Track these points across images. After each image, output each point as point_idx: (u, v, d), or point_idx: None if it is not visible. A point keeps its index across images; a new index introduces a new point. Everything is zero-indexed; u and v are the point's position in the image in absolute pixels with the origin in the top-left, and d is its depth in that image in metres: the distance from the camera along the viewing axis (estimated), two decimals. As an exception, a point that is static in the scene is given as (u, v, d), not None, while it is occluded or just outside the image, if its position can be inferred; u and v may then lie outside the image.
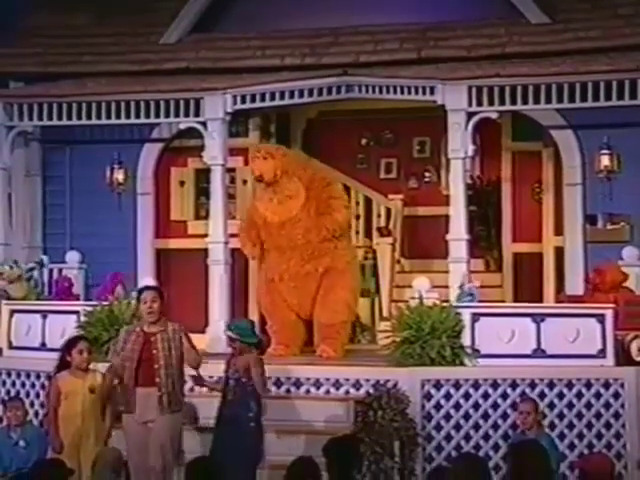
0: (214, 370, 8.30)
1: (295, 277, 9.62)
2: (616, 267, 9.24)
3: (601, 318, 8.64)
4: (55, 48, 11.42)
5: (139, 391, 7.39)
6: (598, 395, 8.54)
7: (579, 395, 8.56)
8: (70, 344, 7.87)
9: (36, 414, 8.97)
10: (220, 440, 7.56)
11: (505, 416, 8.50)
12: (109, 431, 7.73)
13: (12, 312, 9.78)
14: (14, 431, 8.10)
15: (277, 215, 9.59)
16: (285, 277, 9.66)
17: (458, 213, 9.62)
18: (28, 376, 9.36)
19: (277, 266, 9.69)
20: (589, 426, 8.52)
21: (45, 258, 10.57)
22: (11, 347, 9.76)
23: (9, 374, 9.54)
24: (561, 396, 8.56)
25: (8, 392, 9.40)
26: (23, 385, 9.40)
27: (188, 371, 7.68)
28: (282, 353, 9.60)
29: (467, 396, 8.59)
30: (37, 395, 9.13)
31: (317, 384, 8.83)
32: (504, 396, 8.57)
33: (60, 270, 10.65)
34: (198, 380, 7.80)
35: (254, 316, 10.78)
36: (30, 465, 6.75)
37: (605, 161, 9.94)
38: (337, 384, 8.78)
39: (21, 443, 7.98)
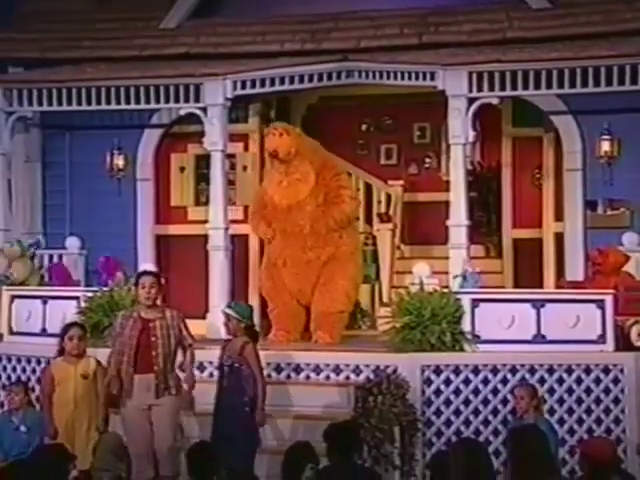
0: (213, 356, 8.31)
1: (298, 263, 9.58)
2: (618, 249, 9.25)
3: (601, 304, 8.64)
4: (54, 33, 11.39)
5: (137, 377, 7.40)
6: (598, 380, 8.55)
7: (579, 380, 8.57)
8: (64, 330, 7.90)
9: (37, 400, 8.97)
10: (219, 428, 7.56)
11: (505, 401, 8.51)
12: (105, 416, 7.74)
13: (12, 298, 9.79)
14: (15, 416, 8.13)
15: (285, 198, 9.49)
16: (288, 263, 9.62)
17: (458, 199, 9.60)
18: (29, 361, 9.38)
19: (281, 251, 9.65)
20: (589, 411, 8.53)
21: (41, 238, 10.56)
22: (11, 333, 9.77)
23: (9, 359, 9.56)
24: (561, 381, 8.58)
25: (9, 377, 9.43)
26: (24, 370, 9.41)
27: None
28: (282, 339, 9.60)
29: (467, 381, 8.61)
30: (38, 381, 9.14)
31: (317, 370, 8.85)
32: (504, 381, 8.58)
33: (60, 256, 10.67)
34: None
35: (254, 302, 10.78)
36: (31, 450, 6.77)
37: (605, 146, 9.93)
38: (337, 370, 8.79)
39: (22, 428, 8.01)
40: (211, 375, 8.69)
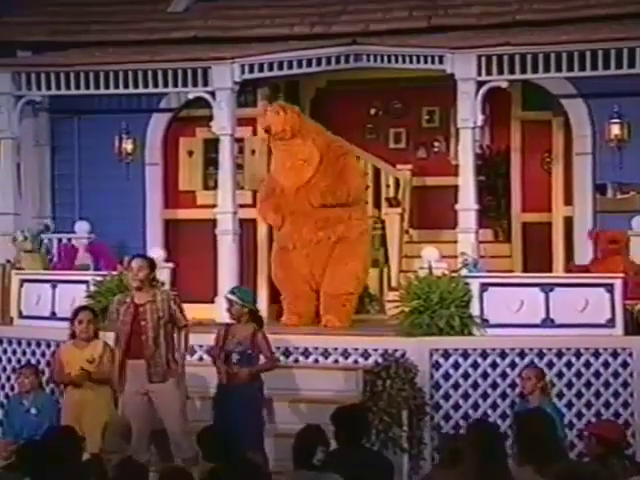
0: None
1: (308, 244, 9.60)
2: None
3: (610, 288, 8.63)
4: (63, 17, 11.38)
5: (130, 363, 7.39)
6: (606, 364, 8.55)
7: (587, 364, 8.57)
8: (74, 314, 7.92)
9: (47, 383, 9.01)
10: (229, 413, 7.53)
11: (513, 385, 8.51)
12: (115, 398, 7.77)
13: (22, 282, 9.83)
14: (26, 398, 8.17)
15: (291, 180, 9.51)
16: (298, 245, 9.63)
17: (467, 183, 9.58)
18: (38, 345, 9.41)
19: (291, 233, 9.66)
20: (597, 395, 8.54)
21: (49, 222, 10.57)
22: (21, 316, 9.81)
23: (19, 343, 9.61)
24: (569, 365, 8.58)
25: (19, 361, 9.48)
26: (33, 354, 9.46)
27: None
28: (296, 323, 9.61)
29: (475, 365, 8.61)
30: (48, 364, 9.18)
31: (325, 353, 8.86)
32: (512, 365, 8.58)
33: (69, 239, 10.69)
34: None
35: (263, 287, 10.81)
36: (41, 432, 6.80)
37: (615, 130, 9.89)
38: (346, 353, 8.81)
39: (32, 410, 8.05)
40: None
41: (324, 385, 8.50)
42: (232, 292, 7.95)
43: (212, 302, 9.90)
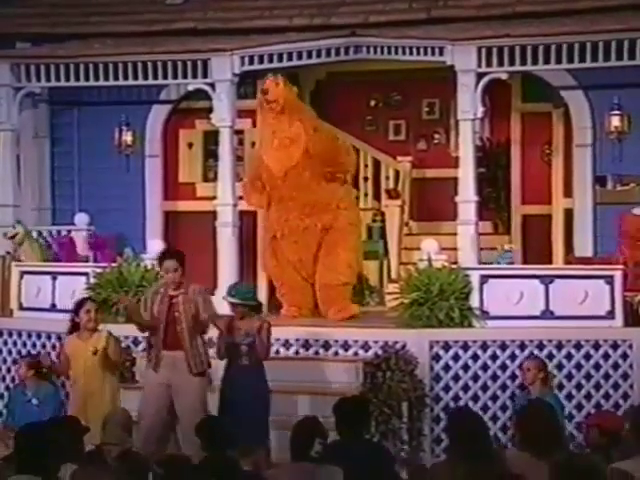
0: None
1: (295, 231, 9.54)
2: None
3: (610, 279, 8.64)
4: (61, 8, 11.37)
5: (165, 353, 7.37)
6: (606, 356, 8.56)
7: (587, 356, 8.58)
8: (78, 305, 7.90)
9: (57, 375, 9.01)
10: (238, 405, 7.51)
11: (513, 377, 8.53)
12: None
13: (22, 274, 9.83)
14: (29, 389, 8.20)
15: (279, 163, 9.42)
16: (285, 232, 9.57)
17: (467, 175, 9.58)
18: (39, 337, 9.43)
19: (278, 220, 9.61)
20: (597, 387, 8.55)
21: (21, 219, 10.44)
22: (21, 308, 9.81)
23: (20, 335, 9.62)
24: (569, 357, 8.59)
25: (19, 352, 9.50)
26: (34, 346, 9.47)
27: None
28: (295, 314, 9.60)
29: (475, 357, 8.63)
30: (57, 356, 9.18)
31: (326, 346, 8.86)
32: (512, 357, 8.60)
33: (69, 231, 10.69)
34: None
35: (262, 278, 10.79)
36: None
37: (615, 122, 9.88)
38: (346, 345, 8.81)
39: (34, 401, 8.09)
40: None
41: (324, 377, 8.51)
42: (231, 295, 7.76)
43: (212, 294, 9.87)
